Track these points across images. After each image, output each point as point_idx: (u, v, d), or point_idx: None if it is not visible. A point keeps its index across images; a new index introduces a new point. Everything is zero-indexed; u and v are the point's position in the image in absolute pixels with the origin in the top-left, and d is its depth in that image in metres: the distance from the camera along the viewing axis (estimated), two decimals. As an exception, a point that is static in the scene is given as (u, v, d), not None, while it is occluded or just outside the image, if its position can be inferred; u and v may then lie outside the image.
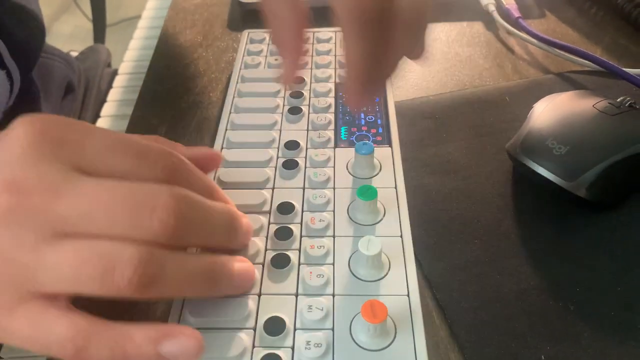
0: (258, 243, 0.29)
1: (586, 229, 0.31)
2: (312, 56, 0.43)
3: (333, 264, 0.29)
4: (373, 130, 0.37)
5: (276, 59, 0.43)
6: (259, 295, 0.27)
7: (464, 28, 0.50)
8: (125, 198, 0.22)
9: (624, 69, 0.41)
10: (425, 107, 0.41)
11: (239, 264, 0.26)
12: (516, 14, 0.48)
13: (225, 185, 0.33)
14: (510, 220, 0.32)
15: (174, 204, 0.22)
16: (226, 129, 0.37)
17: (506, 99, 0.41)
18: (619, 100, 0.34)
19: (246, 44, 0.45)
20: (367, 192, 0.30)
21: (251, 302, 0.27)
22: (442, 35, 0.49)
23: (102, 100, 0.52)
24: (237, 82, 0.41)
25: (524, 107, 0.39)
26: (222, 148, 0.35)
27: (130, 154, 0.23)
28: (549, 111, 0.34)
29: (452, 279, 0.30)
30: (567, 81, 0.42)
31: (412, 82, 0.44)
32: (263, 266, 0.28)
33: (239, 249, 0.28)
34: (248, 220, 0.28)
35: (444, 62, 0.46)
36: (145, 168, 0.23)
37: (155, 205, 0.22)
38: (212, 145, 0.36)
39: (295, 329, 0.26)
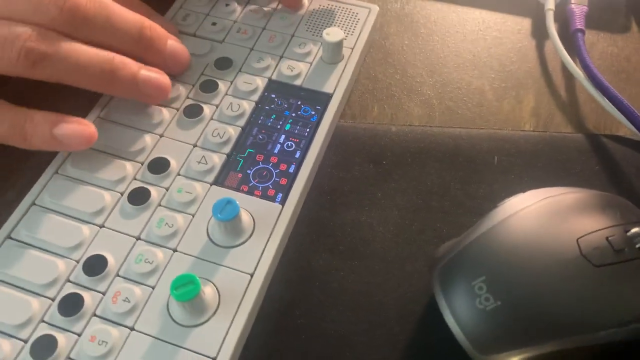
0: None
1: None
2: (263, 29, 0.32)
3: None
4: (283, 166, 0.27)
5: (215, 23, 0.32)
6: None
7: (499, 22, 0.36)
8: None
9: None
10: (377, 142, 0.30)
11: (148, 72, 0.27)
12: (578, 22, 0.33)
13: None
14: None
15: None
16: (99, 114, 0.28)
17: (494, 160, 0.29)
18: (630, 234, 0.22)
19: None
20: (183, 288, 0.21)
21: None
22: (469, 26, 0.35)
23: None
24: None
25: (509, 183, 0.28)
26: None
27: None
28: (512, 224, 0.23)
29: None
30: (597, 153, 0.29)
31: (394, 97, 0.32)
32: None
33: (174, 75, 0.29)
34: (179, 43, 0.29)
35: (454, 69, 0.33)
36: None
37: None
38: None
39: None
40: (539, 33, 0.35)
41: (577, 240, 0.22)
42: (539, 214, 0.23)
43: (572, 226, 0.22)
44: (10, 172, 0.28)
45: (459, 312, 0.21)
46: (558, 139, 0.30)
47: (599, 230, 0.22)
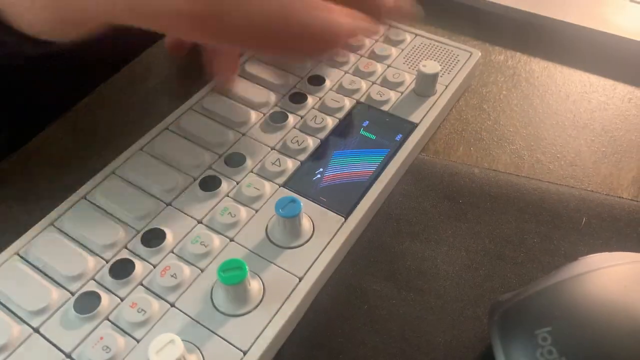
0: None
1: None
2: (361, 56, 0.33)
3: None
4: (353, 184, 0.27)
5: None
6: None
7: (608, 87, 0.34)
8: None
9: None
10: (457, 180, 0.28)
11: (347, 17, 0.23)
12: (699, 99, 0.31)
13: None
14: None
15: None
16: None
17: (582, 221, 0.27)
18: None
19: None
20: (230, 272, 0.21)
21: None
22: (574, 87, 0.34)
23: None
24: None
25: (595, 248, 0.25)
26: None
27: None
28: (593, 279, 0.20)
29: None
30: None
31: (482, 141, 0.31)
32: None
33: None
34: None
35: (551, 126, 0.31)
36: None
37: None
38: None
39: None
40: (653, 105, 0.33)
41: (669, 311, 0.19)
42: (626, 276, 0.20)
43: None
44: (104, 144, 0.30)
45: (515, 361, 0.19)
46: (660, 213, 0.27)
47: (697, 307, 0.19)
